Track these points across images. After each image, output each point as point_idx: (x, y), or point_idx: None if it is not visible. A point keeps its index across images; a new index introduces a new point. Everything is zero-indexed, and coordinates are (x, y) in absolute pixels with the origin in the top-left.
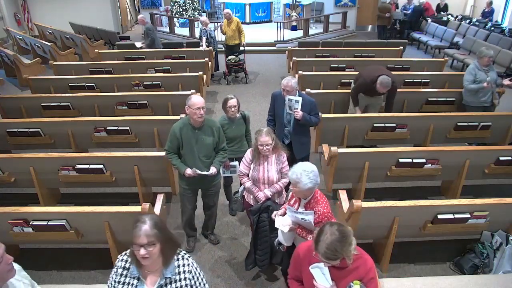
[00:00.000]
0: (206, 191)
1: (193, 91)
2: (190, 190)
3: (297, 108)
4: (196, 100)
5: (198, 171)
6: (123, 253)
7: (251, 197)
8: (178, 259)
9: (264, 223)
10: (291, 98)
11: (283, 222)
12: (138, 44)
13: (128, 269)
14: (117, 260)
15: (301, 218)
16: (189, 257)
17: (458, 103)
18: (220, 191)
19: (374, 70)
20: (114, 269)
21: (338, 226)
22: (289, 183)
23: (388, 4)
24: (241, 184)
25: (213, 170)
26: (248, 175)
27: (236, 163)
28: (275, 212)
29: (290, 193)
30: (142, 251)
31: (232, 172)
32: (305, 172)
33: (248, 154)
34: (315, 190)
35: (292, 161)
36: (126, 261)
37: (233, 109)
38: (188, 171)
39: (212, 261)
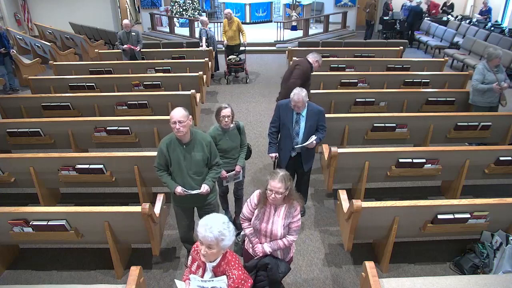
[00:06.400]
0: (200, 209)
1: (193, 91)
2: (182, 208)
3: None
4: (173, 113)
5: (186, 191)
6: None
7: (251, 245)
8: None
9: (262, 283)
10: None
11: None
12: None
13: None
14: None
15: None
16: None
17: (458, 103)
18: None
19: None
20: None
21: None
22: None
23: (372, 0)
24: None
25: (204, 188)
26: (250, 220)
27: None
28: None
29: (190, 258)
30: None
31: (236, 180)
32: (226, 224)
33: (254, 197)
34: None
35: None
36: None
37: (226, 119)
38: (178, 189)
39: None
